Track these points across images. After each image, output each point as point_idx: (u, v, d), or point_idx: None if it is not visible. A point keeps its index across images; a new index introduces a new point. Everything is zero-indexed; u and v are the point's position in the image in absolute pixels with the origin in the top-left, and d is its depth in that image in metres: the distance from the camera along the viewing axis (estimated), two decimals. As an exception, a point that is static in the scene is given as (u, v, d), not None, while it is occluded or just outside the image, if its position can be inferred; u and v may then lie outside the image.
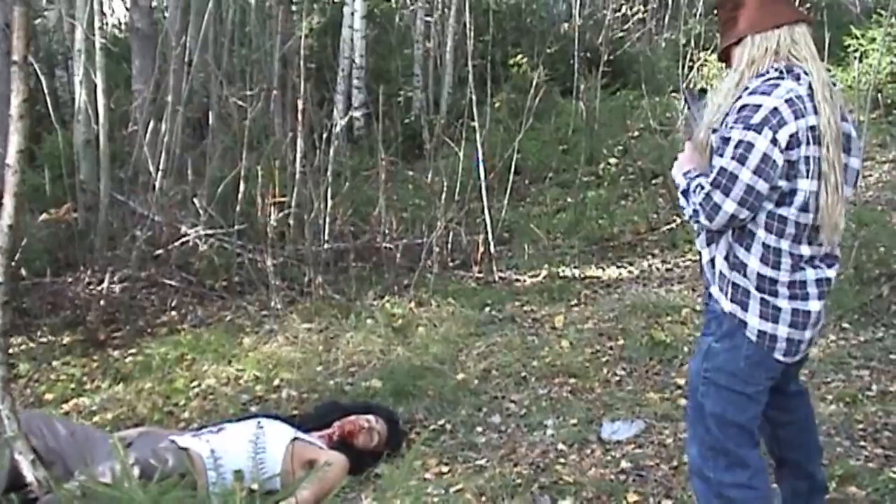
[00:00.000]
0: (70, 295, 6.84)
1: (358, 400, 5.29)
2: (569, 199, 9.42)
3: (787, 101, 3.05)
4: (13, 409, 3.99)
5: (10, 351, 6.21)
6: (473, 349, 6.08)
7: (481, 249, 7.80)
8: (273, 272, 7.13)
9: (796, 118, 3.04)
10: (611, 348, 5.92)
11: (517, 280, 7.54)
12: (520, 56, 12.48)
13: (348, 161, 9.08)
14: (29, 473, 4.01)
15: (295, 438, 4.51)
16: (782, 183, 3.07)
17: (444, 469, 4.56)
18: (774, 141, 3.00)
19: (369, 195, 8.54)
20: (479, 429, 5.01)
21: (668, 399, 5.12)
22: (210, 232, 7.49)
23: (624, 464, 4.45)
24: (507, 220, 8.66)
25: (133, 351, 6.37)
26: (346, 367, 5.91)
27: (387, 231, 7.89)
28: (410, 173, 9.56)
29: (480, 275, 7.68)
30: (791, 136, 3.03)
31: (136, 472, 3.98)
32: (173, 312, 7.09)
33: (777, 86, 3.08)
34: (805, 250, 3.15)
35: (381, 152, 8.10)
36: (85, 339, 6.53)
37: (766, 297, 3.15)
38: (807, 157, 3.06)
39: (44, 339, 6.60)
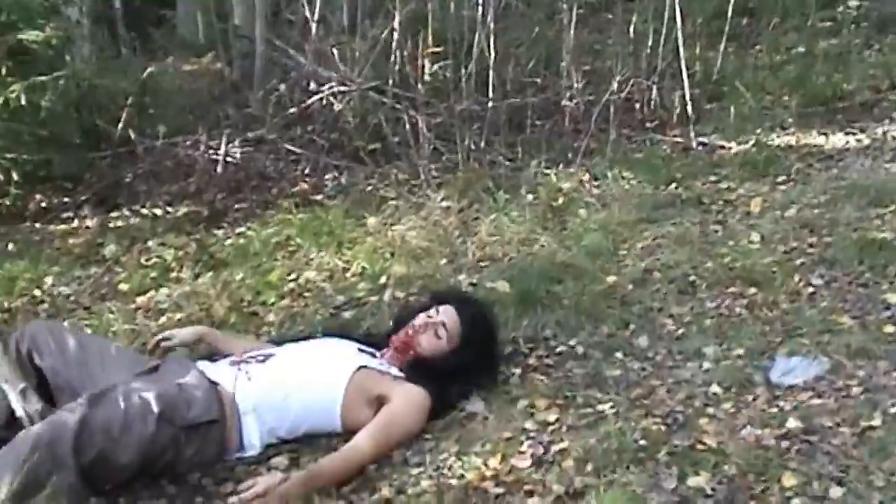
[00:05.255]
0: (186, 160, 6.01)
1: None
2: (800, 49, 7.90)
3: None
4: (-7, 328, 3.18)
5: (103, 223, 5.52)
6: (638, 241, 4.89)
7: (678, 109, 6.54)
8: (426, 133, 6.10)
9: None
10: (811, 245, 4.60)
11: (721, 147, 6.25)
12: None
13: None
14: (18, 406, 3.20)
15: (361, 367, 3.52)
16: None
17: (553, 416, 3.47)
18: None
19: (549, 43, 7.31)
20: (619, 354, 3.89)
21: (869, 326, 3.86)
22: (368, 85, 6.50)
23: (791, 422, 3.24)
24: (719, 73, 7.29)
25: (241, 230, 5.50)
26: (476, 261, 4.83)
27: (572, 85, 6.72)
28: (609, 16, 8.20)
29: (679, 139, 6.44)
30: None
31: (154, 410, 3.13)
32: (309, 180, 6.17)
33: None
34: None
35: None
36: (197, 213, 5.71)
37: None
38: None
39: (146, 213, 5.82)
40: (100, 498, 3.15)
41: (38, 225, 5.86)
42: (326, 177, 6.29)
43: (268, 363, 3.49)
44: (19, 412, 3.18)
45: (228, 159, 6.03)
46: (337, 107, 6.30)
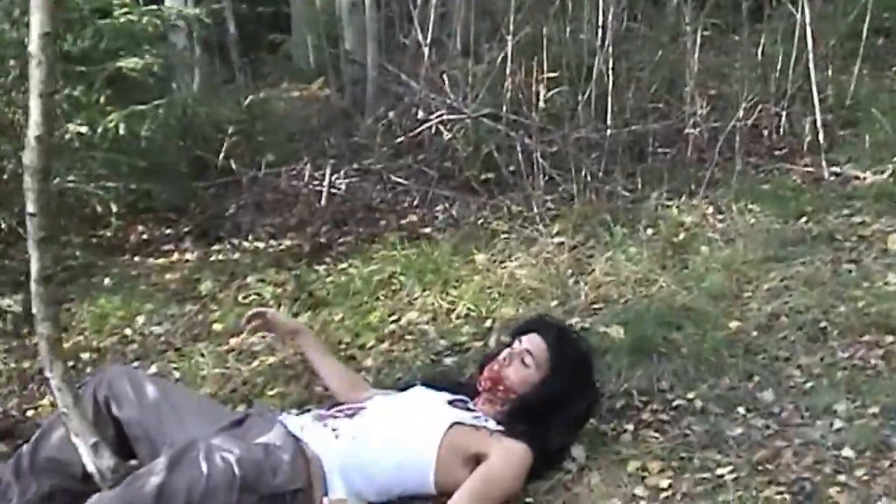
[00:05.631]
0: (290, 190, 5.84)
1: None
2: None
3: None
4: (65, 378, 3.01)
5: (203, 257, 5.38)
6: (764, 282, 4.54)
7: (808, 137, 6.17)
8: (541, 162, 5.83)
9: None
10: (958, 289, 4.24)
11: (856, 177, 5.86)
12: None
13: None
14: (89, 462, 3.02)
15: (454, 424, 3.26)
16: None
17: (666, 482, 3.19)
18: None
19: (672, 67, 6.98)
20: (741, 410, 3.57)
21: None
22: (481, 112, 6.26)
23: (934, 494, 2.94)
24: (853, 97, 6.87)
25: (343, 266, 5.30)
26: (589, 303, 4.54)
27: (696, 111, 6.39)
28: (735, 37, 7.81)
29: (809, 169, 6.07)
30: None
31: (237, 475, 2.94)
32: (418, 212, 5.95)
33: None
34: None
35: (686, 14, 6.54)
36: (299, 247, 5.54)
37: None
38: None
39: (248, 247, 5.67)
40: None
41: (136, 258, 5.73)
42: (437, 208, 6.05)
43: (356, 420, 3.25)
44: (90, 468, 3.00)
45: (333, 190, 5.84)
46: (447, 135, 6.05)
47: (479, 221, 5.75)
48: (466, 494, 3.10)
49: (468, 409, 3.37)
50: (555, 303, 4.57)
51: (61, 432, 3.12)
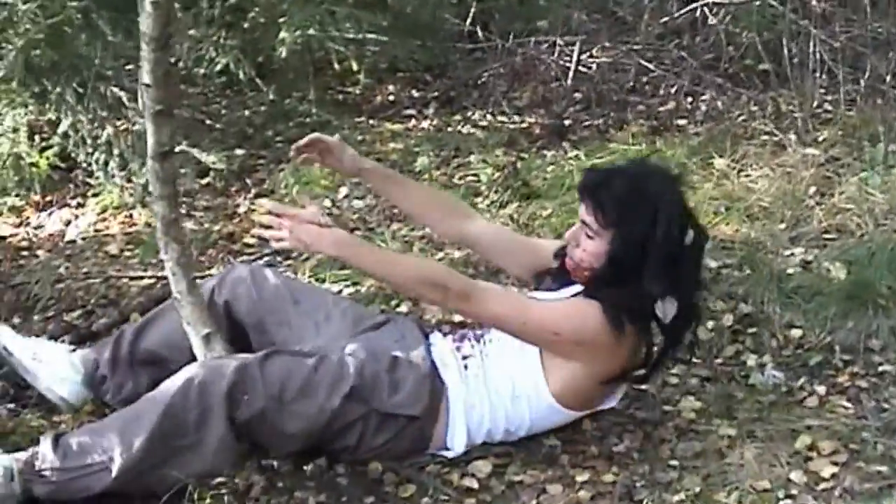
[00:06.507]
0: (541, 65, 5.41)
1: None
2: None
3: None
4: (180, 262, 2.82)
5: (440, 126, 5.21)
6: None
7: None
8: (821, 56, 5.14)
9: None
10: None
11: None
12: None
13: None
14: (200, 352, 2.85)
15: None
16: None
17: (830, 470, 2.69)
18: None
19: None
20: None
21: None
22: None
23: None
24: None
25: (573, 155, 4.85)
26: (821, 232, 3.95)
27: None
28: None
29: None
30: None
31: (349, 382, 2.70)
32: (676, 100, 5.41)
33: None
34: None
35: None
36: (541, 127, 5.16)
37: None
38: None
39: (484, 121, 5.33)
40: (252, 459, 2.77)
41: (372, 122, 5.45)
42: (703, 98, 5.45)
43: (485, 348, 2.89)
44: (200, 359, 2.82)
45: (582, 68, 5.37)
46: (711, 20, 5.42)
47: (741, 118, 5.16)
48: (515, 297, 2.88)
49: None
50: (782, 225, 4.01)
51: (169, 322, 2.96)
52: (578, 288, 2.80)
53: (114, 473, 2.55)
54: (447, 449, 2.83)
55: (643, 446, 2.89)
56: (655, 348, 2.79)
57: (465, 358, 2.86)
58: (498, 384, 2.81)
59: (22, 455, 2.60)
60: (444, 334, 3.03)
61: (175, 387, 2.62)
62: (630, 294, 2.69)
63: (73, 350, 3.13)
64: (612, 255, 2.71)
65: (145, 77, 2.68)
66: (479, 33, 5.74)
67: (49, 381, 3.02)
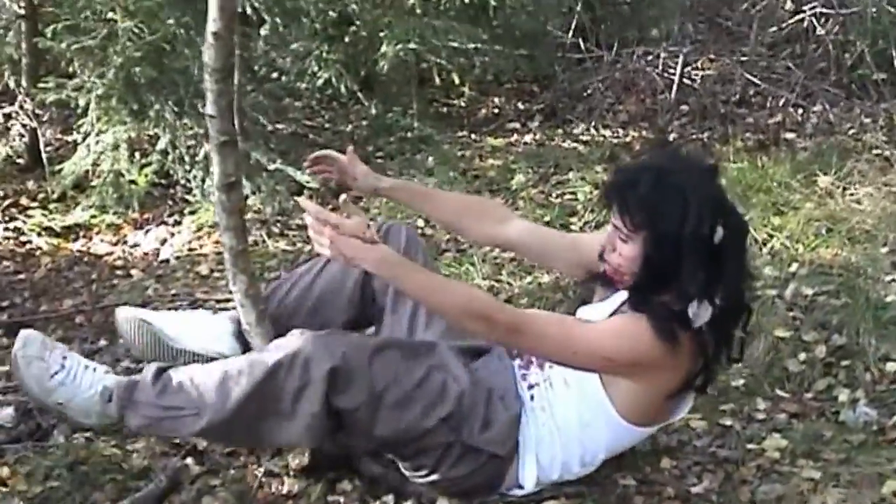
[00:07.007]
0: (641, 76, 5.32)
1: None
2: None
3: None
4: (249, 294, 2.82)
5: (543, 140, 5.06)
6: None
7: None
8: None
9: None
10: None
11: None
12: None
13: None
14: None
15: None
16: None
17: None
18: None
19: None
20: None
21: None
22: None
23: None
24: None
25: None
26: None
27: None
28: None
29: None
30: None
31: (447, 408, 2.66)
32: (782, 115, 5.26)
33: None
34: None
35: None
36: (644, 141, 5.09)
37: None
38: None
39: (587, 136, 5.25)
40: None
41: (474, 136, 5.39)
42: (814, 109, 5.30)
43: (550, 373, 2.80)
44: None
45: (686, 80, 5.26)
46: (820, 30, 5.24)
47: (852, 130, 5.00)
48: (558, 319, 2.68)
49: None
50: (884, 249, 3.85)
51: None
52: (625, 295, 2.71)
53: (203, 423, 2.55)
54: (519, 487, 2.76)
55: (722, 488, 2.77)
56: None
57: (531, 388, 2.77)
58: (565, 414, 2.70)
59: (124, 379, 2.64)
60: (513, 357, 2.95)
61: (283, 353, 2.58)
62: (674, 299, 2.56)
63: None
64: (646, 259, 2.55)
65: (209, 108, 2.66)
66: (582, 44, 5.64)
67: (204, 342, 2.97)
